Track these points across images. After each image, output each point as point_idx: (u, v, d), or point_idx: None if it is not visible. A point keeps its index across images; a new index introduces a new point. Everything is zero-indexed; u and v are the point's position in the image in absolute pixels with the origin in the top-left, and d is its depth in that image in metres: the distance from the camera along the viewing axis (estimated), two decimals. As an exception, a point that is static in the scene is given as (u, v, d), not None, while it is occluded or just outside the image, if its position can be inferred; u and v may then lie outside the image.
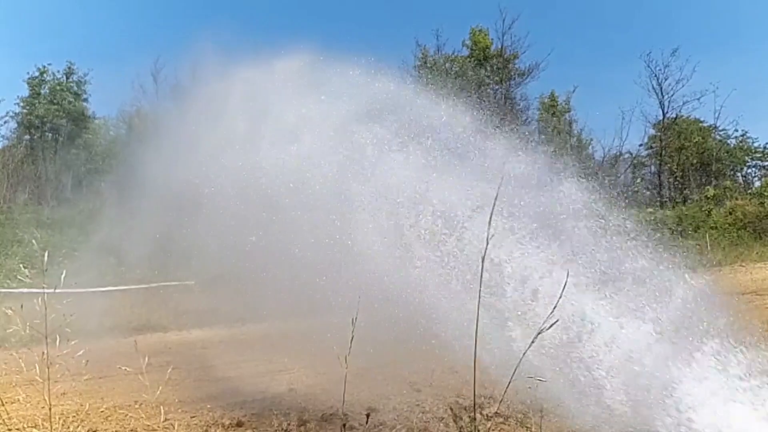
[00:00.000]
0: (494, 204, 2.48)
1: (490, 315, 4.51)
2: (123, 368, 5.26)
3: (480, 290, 2.60)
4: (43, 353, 3.49)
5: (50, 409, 3.74)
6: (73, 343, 3.91)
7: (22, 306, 3.74)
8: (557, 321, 2.33)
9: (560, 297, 2.55)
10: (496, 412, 5.31)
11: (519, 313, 4.44)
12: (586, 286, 4.57)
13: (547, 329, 2.31)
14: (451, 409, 5.30)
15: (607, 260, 4.85)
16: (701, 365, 4.11)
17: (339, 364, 3.67)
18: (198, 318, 10.94)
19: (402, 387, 6.60)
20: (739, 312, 4.65)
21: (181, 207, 7.39)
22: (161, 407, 5.10)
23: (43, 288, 3.39)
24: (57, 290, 3.78)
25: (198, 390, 6.97)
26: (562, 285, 3.01)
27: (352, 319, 3.69)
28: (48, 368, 3.49)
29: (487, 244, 2.47)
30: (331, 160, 6.12)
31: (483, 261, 2.51)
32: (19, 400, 6.03)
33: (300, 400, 6.42)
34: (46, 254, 3.71)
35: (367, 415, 5.44)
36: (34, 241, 13.45)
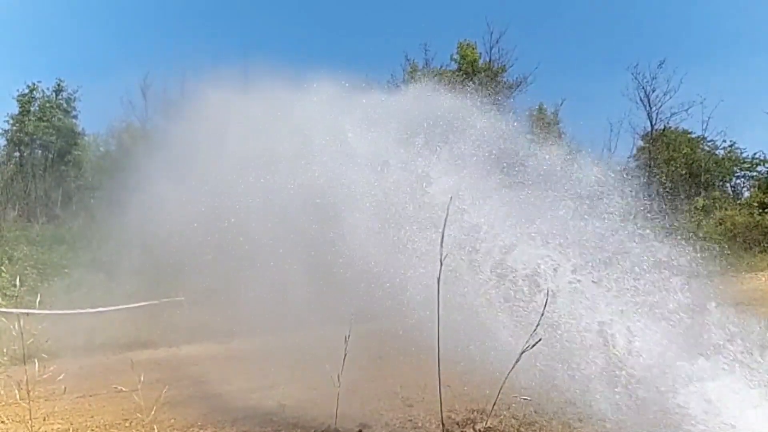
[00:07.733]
0: (444, 224, 2.52)
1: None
2: (113, 386, 5.21)
3: (438, 308, 2.63)
4: (25, 374, 3.44)
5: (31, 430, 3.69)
6: (52, 368, 3.86)
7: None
8: (540, 340, 2.35)
9: (543, 312, 2.56)
10: (488, 427, 5.30)
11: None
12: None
13: (531, 348, 2.33)
14: (443, 424, 5.27)
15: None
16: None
17: (330, 378, 3.65)
18: (188, 334, 10.82)
19: (394, 402, 6.57)
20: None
21: (172, 223, 7.38)
22: (153, 425, 5.04)
23: (15, 309, 3.36)
24: (44, 311, 3.76)
25: (188, 407, 6.88)
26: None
27: (345, 337, 3.68)
28: (28, 391, 3.44)
29: (441, 265, 2.49)
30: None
31: (438, 282, 2.54)
32: (2, 422, 5.94)
33: (291, 416, 6.35)
34: (17, 279, 3.69)
35: (359, 432, 5.42)
36: (2, 269, 13.14)
